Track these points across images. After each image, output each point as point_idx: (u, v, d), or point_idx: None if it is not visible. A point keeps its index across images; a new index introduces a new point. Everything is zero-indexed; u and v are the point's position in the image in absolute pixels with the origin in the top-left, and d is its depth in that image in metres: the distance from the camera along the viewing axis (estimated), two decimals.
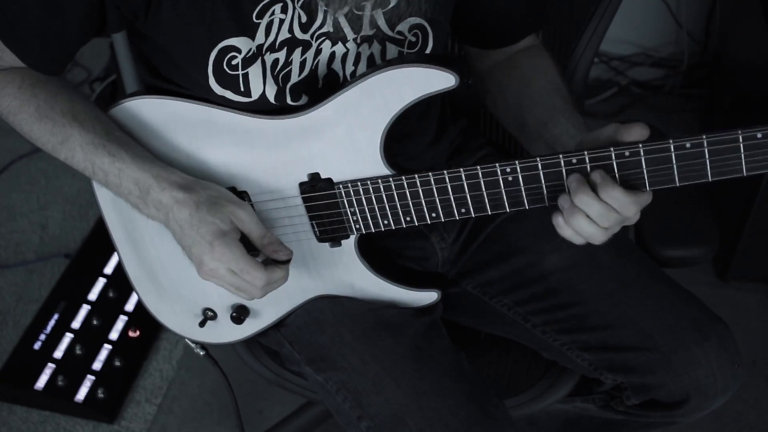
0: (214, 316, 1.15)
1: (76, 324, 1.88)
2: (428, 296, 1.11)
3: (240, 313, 1.12)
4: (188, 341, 1.23)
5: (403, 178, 0.98)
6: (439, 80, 0.94)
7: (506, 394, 1.23)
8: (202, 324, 1.15)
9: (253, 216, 0.98)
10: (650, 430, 1.26)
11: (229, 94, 0.99)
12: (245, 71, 0.98)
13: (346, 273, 1.09)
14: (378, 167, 0.99)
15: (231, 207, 0.97)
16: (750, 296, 1.96)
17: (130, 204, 1.01)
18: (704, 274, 1.99)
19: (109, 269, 1.98)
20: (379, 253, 1.10)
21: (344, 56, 1.01)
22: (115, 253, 1.75)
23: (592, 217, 0.91)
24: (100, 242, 2.04)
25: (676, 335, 1.09)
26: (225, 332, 1.17)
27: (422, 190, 0.98)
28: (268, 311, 1.14)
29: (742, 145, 0.85)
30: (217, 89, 0.99)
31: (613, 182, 0.90)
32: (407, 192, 0.99)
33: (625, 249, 1.17)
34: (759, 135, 0.84)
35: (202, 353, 1.24)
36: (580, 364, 1.16)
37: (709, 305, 1.14)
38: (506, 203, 0.96)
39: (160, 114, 1.03)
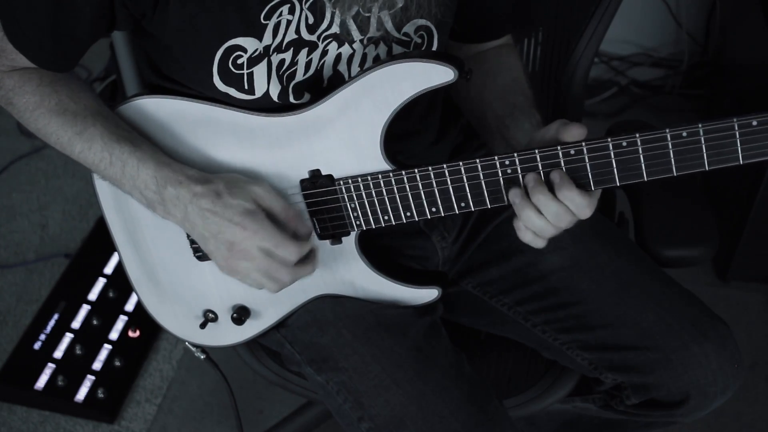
0: (215, 318, 1.15)
1: (76, 324, 1.88)
2: (429, 293, 1.11)
3: (241, 314, 1.12)
4: (188, 345, 1.23)
5: (403, 173, 0.99)
6: (438, 74, 0.94)
7: (506, 395, 1.23)
8: (202, 326, 1.15)
9: (271, 191, 0.99)
10: (650, 429, 1.26)
11: (232, 92, 1.00)
12: (250, 70, 0.98)
13: (346, 271, 1.09)
14: (378, 163, 1.00)
15: (249, 186, 0.98)
16: (750, 296, 1.96)
17: (145, 202, 1.01)
18: (704, 274, 1.99)
19: (109, 269, 1.99)
20: (379, 252, 1.10)
21: (350, 57, 1.01)
22: (116, 254, 1.75)
23: (548, 218, 0.94)
24: (100, 242, 2.05)
25: (676, 335, 1.09)
26: (226, 334, 1.17)
27: (422, 184, 0.99)
28: (269, 312, 1.14)
29: (737, 132, 0.85)
30: (221, 86, 0.99)
31: (570, 183, 0.92)
32: (407, 187, 0.99)
33: (625, 249, 1.18)
34: (754, 122, 0.85)
35: (202, 357, 1.24)
36: (580, 363, 1.16)
37: (709, 305, 1.14)
38: (505, 196, 0.97)
39: (163, 113, 1.03)
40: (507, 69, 1.14)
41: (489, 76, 1.13)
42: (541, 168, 0.93)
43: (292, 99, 1.01)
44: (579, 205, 0.93)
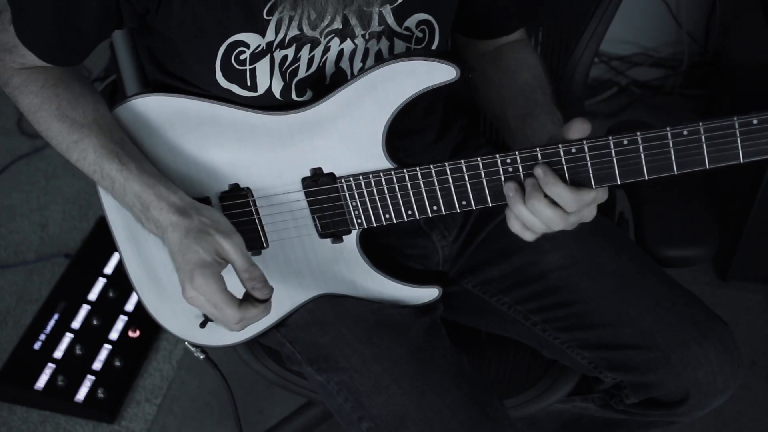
0: None
1: (76, 324, 1.88)
2: (430, 293, 1.11)
3: None
4: (188, 344, 1.23)
5: (405, 171, 0.99)
6: (441, 73, 0.94)
7: (506, 395, 1.23)
8: (202, 325, 1.15)
9: (239, 247, 0.97)
10: (650, 429, 1.26)
11: (234, 88, 1.00)
12: (253, 66, 0.98)
13: (347, 270, 1.09)
14: (380, 161, 1.00)
15: (218, 237, 0.96)
16: (750, 296, 1.96)
17: (134, 216, 1.02)
18: (704, 274, 1.99)
19: (109, 269, 1.98)
20: (380, 251, 1.10)
21: (352, 53, 1.01)
22: (116, 253, 1.74)
23: (541, 220, 0.94)
24: (100, 242, 2.04)
25: (676, 334, 1.09)
26: (225, 334, 1.16)
27: (423, 182, 0.99)
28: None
29: (738, 131, 0.86)
30: (223, 83, 0.99)
31: (556, 178, 0.92)
32: (408, 185, 0.99)
33: (625, 248, 1.18)
34: (755, 121, 0.85)
35: (202, 357, 1.24)
36: (580, 362, 1.16)
37: (709, 305, 1.14)
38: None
39: (165, 111, 1.03)
40: (526, 66, 1.14)
41: (507, 74, 1.13)
42: None
43: (294, 96, 1.01)
44: (566, 201, 0.92)
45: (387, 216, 1.02)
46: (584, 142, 0.91)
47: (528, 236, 0.97)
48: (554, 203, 0.93)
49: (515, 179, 0.95)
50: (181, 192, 1.00)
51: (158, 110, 1.04)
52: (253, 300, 0.97)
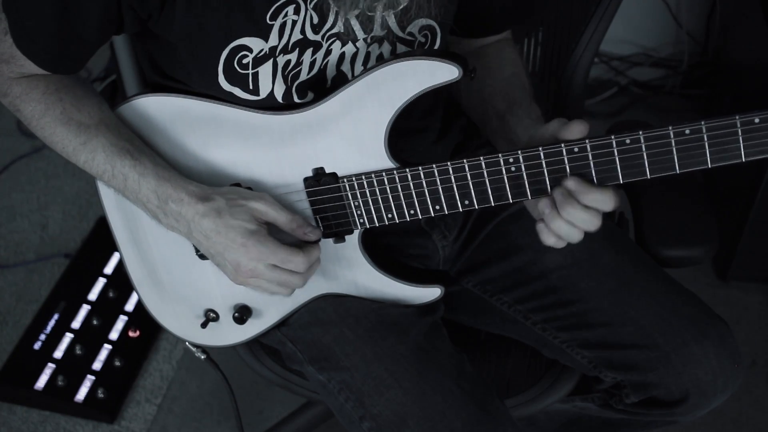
0: (216, 318, 1.15)
1: (76, 324, 1.88)
2: (432, 292, 1.11)
3: (242, 314, 1.12)
4: (189, 345, 1.23)
5: (407, 170, 0.99)
6: (443, 72, 0.94)
7: (507, 394, 1.23)
8: (204, 325, 1.15)
9: (273, 204, 0.99)
10: (650, 429, 1.26)
11: (237, 91, 1.00)
12: (255, 70, 0.98)
13: (349, 270, 1.09)
14: (382, 161, 1.00)
15: (251, 203, 0.98)
16: (750, 296, 1.96)
17: (149, 213, 1.02)
18: (704, 274, 1.99)
19: (109, 269, 1.98)
20: (381, 251, 1.10)
21: (354, 56, 1.01)
22: (116, 253, 1.74)
23: (578, 225, 0.94)
24: (100, 242, 2.04)
25: (676, 333, 1.09)
26: (227, 334, 1.17)
27: (426, 182, 0.99)
28: (270, 311, 1.14)
29: (740, 130, 0.86)
30: (225, 86, 0.99)
31: (590, 186, 0.92)
32: (411, 184, 1.00)
33: (625, 248, 1.18)
34: (756, 120, 0.85)
35: (203, 357, 1.24)
36: (580, 361, 1.16)
37: (709, 305, 1.14)
38: (509, 194, 0.97)
39: (167, 111, 1.03)
40: (506, 63, 1.15)
41: (490, 72, 1.14)
42: (545, 166, 0.94)
43: (296, 99, 1.01)
44: (603, 203, 0.92)
45: (389, 216, 1.03)
46: (587, 141, 0.91)
47: (562, 245, 0.97)
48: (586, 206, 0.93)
49: (520, 183, 0.95)
50: (196, 182, 1.01)
51: (159, 110, 1.04)
52: (308, 244, 1.00)
